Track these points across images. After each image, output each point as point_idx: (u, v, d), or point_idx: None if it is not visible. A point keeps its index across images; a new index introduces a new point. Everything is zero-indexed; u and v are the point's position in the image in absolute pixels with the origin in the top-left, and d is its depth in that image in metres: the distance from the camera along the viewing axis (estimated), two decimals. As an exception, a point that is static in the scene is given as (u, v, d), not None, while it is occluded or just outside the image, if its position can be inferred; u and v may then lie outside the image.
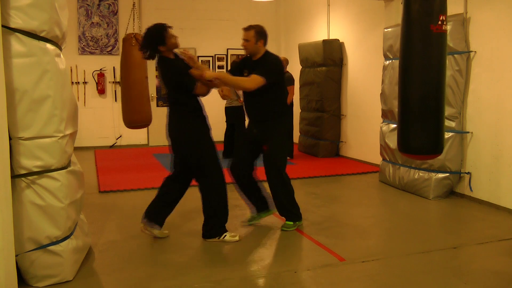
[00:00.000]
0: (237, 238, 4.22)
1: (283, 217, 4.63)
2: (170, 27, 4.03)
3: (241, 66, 4.56)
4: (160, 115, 10.45)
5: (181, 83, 3.99)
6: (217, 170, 4.16)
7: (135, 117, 6.37)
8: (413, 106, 3.48)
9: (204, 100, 4.21)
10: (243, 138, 4.71)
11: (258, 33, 4.36)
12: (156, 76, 10.06)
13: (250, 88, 4.26)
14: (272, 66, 4.38)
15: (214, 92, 11.03)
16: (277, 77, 4.40)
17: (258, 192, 4.67)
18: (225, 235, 4.19)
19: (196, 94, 4.04)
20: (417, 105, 3.45)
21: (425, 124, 3.45)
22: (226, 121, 8.66)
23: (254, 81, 4.21)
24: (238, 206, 5.41)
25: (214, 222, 4.20)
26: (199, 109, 4.13)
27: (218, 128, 9.81)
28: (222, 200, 4.19)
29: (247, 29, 4.38)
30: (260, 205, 4.74)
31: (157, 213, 4.25)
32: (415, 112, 3.47)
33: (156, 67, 4.15)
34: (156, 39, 3.97)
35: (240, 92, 8.15)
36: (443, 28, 3.34)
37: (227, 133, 8.64)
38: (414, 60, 3.44)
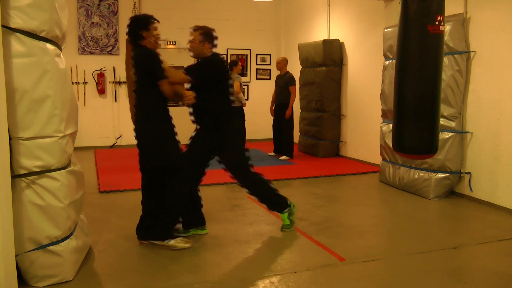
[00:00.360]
0: (188, 245, 4.02)
1: (275, 212, 4.64)
2: (157, 19, 4.00)
3: None
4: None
5: (152, 70, 3.84)
6: (180, 174, 4.01)
7: None
8: (408, 106, 3.48)
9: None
10: (193, 147, 4.37)
11: (205, 34, 4.20)
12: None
13: (172, 81, 4.01)
14: (202, 65, 4.19)
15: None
16: (206, 77, 4.14)
17: (199, 205, 4.44)
18: (172, 240, 4.00)
19: (163, 91, 3.87)
20: (412, 105, 3.46)
21: (420, 124, 3.45)
22: None
23: (175, 74, 4.02)
24: (238, 206, 5.41)
25: (163, 224, 4.02)
26: (164, 109, 3.98)
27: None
28: (180, 204, 4.07)
29: (194, 29, 4.23)
30: (197, 220, 4.45)
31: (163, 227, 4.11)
32: (410, 112, 3.47)
33: (131, 57, 4.02)
34: (140, 24, 3.92)
35: (241, 95, 8.15)
36: (440, 28, 3.34)
37: None
38: (411, 60, 3.45)
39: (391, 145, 6.31)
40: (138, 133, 4.02)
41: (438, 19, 3.32)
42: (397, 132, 3.57)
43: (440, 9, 3.34)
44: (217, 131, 4.27)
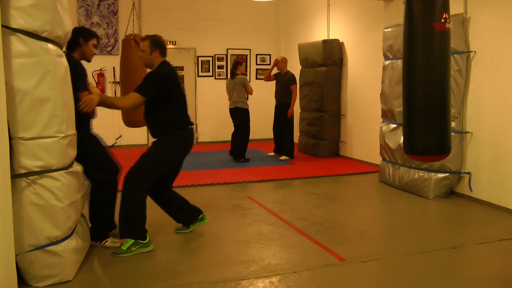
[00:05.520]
0: (117, 245, 4.04)
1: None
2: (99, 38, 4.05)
3: None
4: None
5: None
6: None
7: (135, 117, 6.42)
8: (417, 106, 3.41)
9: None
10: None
11: (153, 43, 4.08)
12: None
13: (125, 107, 4.04)
14: (149, 79, 3.99)
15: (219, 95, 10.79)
16: (157, 90, 3.96)
17: (183, 203, 4.39)
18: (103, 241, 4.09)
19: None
20: (421, 104, 3.39)
21: (430, 123, 3.38)
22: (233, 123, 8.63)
23: (128, 99, 3.93)
24: (238, 206, 5.41)
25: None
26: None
27: (227, 127, 9.89)
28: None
29: (143, 39, 4.15)
30: (189, 217, 4.44)
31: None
32: (419, 112, 3.41)
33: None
34: (82, 33, 4.15)
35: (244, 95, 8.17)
36: (446, 26, 3.32)
37: (233, 134, 8.63)
38: (418, 59, 3.40)
39: (391, 145, 6.33)
40: None
41: (444, 16, 3.29)
42: (408, 134, 3.49)
43: (445, 7, 3.31)
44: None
